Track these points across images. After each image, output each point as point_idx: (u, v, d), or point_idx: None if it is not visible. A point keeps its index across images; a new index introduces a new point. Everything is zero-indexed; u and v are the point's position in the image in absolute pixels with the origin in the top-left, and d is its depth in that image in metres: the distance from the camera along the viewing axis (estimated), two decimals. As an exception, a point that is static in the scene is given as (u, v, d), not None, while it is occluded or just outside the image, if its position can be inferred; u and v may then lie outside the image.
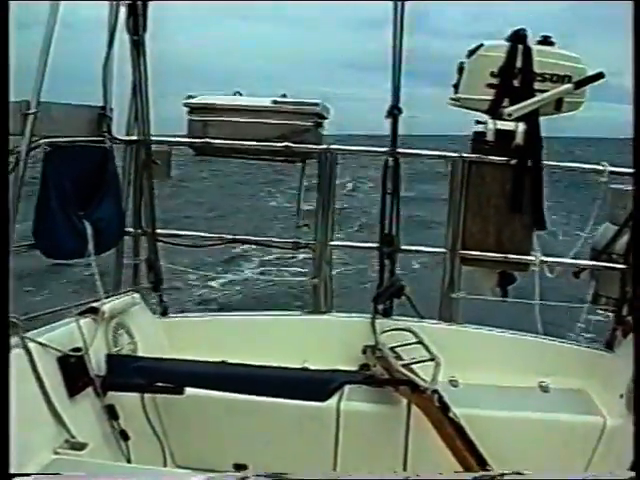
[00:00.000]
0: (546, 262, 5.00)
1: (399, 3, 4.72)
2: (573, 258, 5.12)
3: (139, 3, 4.76)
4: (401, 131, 4.95)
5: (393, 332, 4.70)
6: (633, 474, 2.07)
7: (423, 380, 4.13)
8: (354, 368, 4.43)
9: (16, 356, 3.55)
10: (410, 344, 4.51)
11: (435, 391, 4.10)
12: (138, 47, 4.85)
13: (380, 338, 4.64)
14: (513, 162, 4.85)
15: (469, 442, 4.00)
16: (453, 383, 4.73)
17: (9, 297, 2.71)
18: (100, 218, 4.58)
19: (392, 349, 4.50)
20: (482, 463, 3.91)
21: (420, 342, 4.49)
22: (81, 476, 3.28)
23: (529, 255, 4.97)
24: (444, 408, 4.09)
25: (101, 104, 4.80)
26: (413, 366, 4.28)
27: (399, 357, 4.40)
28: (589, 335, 5.31)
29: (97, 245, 4.47)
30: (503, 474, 2.34)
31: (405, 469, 4.21)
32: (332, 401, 4.32)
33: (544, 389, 4.71)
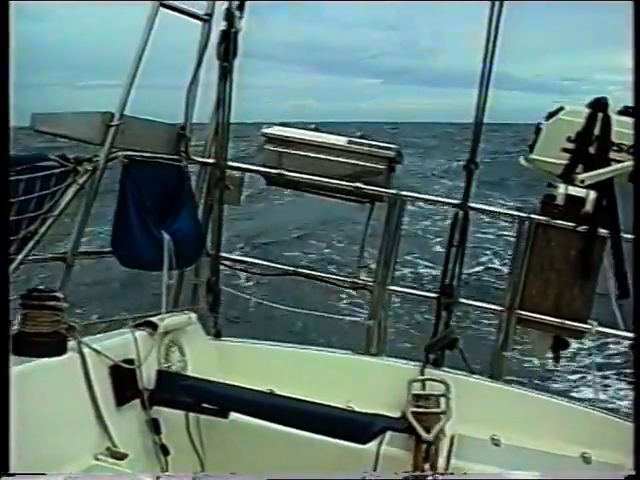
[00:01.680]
0: (602, 332, 4.98)
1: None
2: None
3: (232, 30, 4.87)
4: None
5: (431, 382, 4.69)
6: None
7: (426, 431, 4.12)
8: (397, 414, 4.42)
9: (71, 360, 3.64)
10: (436, 396, 4.51)
11: (430, 443, 4.09)
12: (226, 73, 4.95)
13: (413, 386, 4.63)
14: (581, 228, 4.84)
15: None
16: (495, 442, 4.69)
17: (9, 297, 2.77)
18: (178, 229, 4.68)
19: (424, 398, 4.51)
20: None
21: (444, 395, 4.48)
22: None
23: (586, 323, 4.94)
24: (425, 459, 4.07)
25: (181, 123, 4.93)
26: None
27: (422, 406, 4.40)
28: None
29: (176, 258, 4.57)
30: None
31: None
32: (372, 445, 4.31)
33: (586, 460, 4.64)
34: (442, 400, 4.45)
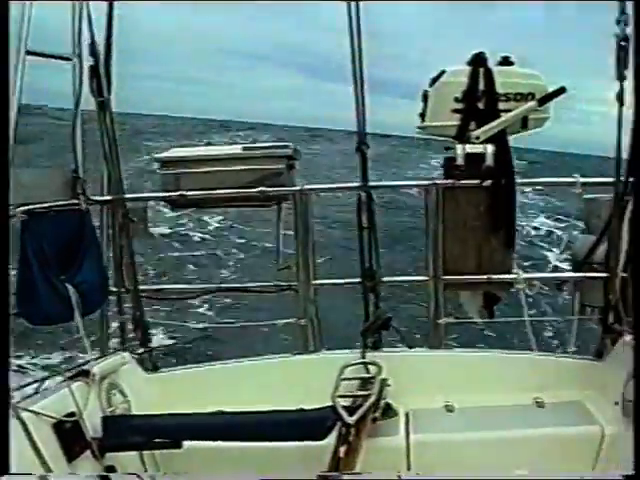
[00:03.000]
0: (529, 278, 5.05)
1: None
2: (554, 271, 5.16)
3: (102, 64, 4.78)
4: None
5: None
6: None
7: (350, 414, 4.11)
8: (349, 403, 4.41)
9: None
10: (369, 378, 4.54)
11: (347, 425, 4.08)
12: (104, 109, 4.86)
13: (347, 372, 4.63)
14: (485, 184, 4.89)
15: None
16: (449, 408, 4.72)
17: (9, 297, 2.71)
18: (83, 281, 4.60)
19: (365, 382, 4.53)
20: None
21: (374, 377, 4.51)
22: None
23: (511, 273, 5.00)
24: (343, 442, 4.04)
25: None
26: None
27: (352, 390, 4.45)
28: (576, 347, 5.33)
29: (82, 308, 4.49)
30: None
31: None
32: (331, 438, 4.30)
33: (540, 404, 4.70)
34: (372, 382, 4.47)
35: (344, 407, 4.17)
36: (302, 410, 4.46)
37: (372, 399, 4.24)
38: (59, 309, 4.42)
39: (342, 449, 4.00)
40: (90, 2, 4.62)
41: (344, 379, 4.52)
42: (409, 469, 4.26)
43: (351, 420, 4.07)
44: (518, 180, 5.00)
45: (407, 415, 4.57)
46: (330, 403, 4.29)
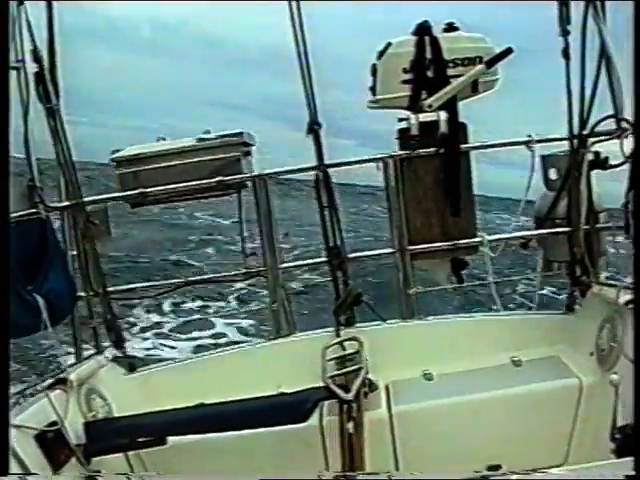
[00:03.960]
0: (493, 240, 5.08)
1: (294, 3, 4.79)
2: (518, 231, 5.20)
3: (46, 70, 4.72)
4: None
5: (350, 342, 4.72)
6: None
7: (345, 392, 4.13)
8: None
9: None
10: (351, 354, 4.55)
11: (349, 402, 4.10)
12: (54, 114, 4.81)
13: (329, 352, 4.64)
14: (442, 151, 4.91)
15: (353, 459, 4.01)
16: (427, 377, 4.77)
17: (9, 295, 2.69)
18: (50, 289, 4.57)
19: (341, 360, 4.54)
20: None
21: (357, 352, 4.52)
22: None
23: (476, 237, 5.03)
24: (348, 419, 4.07)
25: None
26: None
27: (339, 368, 4.43)
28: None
29: (51, 316, 4.46)
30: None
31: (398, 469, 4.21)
32: (314, 419, 4.32)
33: (516, 363, 4.75)
34: (358, 357, 4.48)
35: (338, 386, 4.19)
36: (283, 394, 4.48)
37: (363, 372, 4.26)
38: (29, 320, 4.39)
39: (349, 425, 4.02)
40: (28, 5, 4.56)
41: (330, 359, 4.54)
42: (393, 441, 4.29)
43: (350, 397, 4.09)
44: (472, 144, 5.02)
45: (387, 388, 4.60)
46: (311, 385, 4.32)
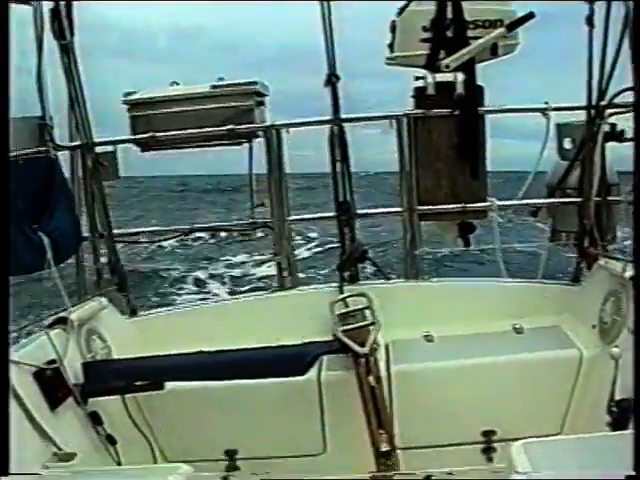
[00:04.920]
0: (503, 206, 5.05)
1: None
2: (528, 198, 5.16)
3: (62, 4, 4.68)
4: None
5: (353, 299, 4.71)
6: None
7: (361, 345, 4.14)
8: (328, 338, 4.43)
9: None
10: (361, 309, 4.53)
11: (365, 355, 4.10)
12: (68, 52, 4.77)
13: (336, 307, 4.64)
14: (457, 112, 4.86)
15: (379, 412, 4.01)
16: (428, 338, 4.77)
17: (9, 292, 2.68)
18: (55, 228, 4.57)
19: (350, 315, 4.52)
20: (390, 441, 3.94)
21: (368, 307, 4.51)
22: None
23: (485, 202, 5.00)
24: (368, 372, 4.08)
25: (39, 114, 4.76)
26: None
27: (350, 323, 4.39)
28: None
29: (55, 255, 4.45)
30: None
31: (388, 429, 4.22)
32: (312, 373, 4.33)
33: (518, 331, 4.75)
34: (368, 312, 4.47)
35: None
36: (282, 346, 4.49)
37: (377, 327, 4.27)
38: (33, 258, 4.39)
39: (370, 378, 4.05)
40: None
41: (341, 314, 4.53)
42: (391, 399, 4.29)
43: (366, 350, 4.10)
44: (488, 108, 4.96)
45: (387, 346, 4.60)
46: (311, 339, 4.33)
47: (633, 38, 3.39)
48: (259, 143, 5.18)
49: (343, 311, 4.57)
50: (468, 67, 4.84)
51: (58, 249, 4.53)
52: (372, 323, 4.30)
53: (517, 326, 4.78)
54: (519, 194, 5.13)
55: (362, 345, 4.12)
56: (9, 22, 2.52)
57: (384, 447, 3.86)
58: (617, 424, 3.33)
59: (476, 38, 4.84)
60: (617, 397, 3.39)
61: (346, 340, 4.17)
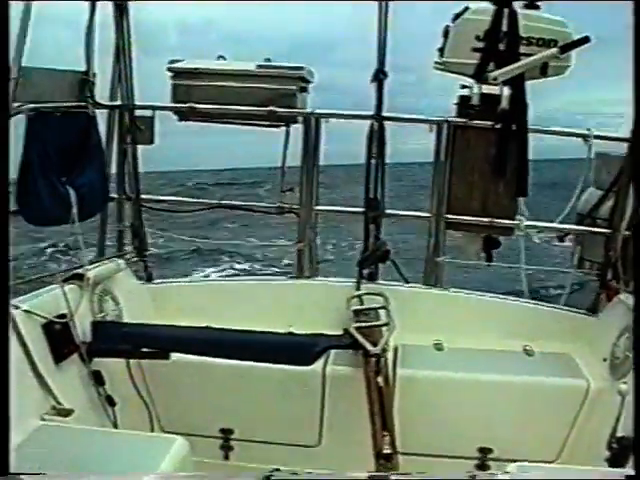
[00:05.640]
0: (531, 226, 5.02)
1: None
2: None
3: None
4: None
5: (372, 297, 4.69)
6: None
7: (373, 344, 4.13)
8: (339, 332, 4.41)
9: None
10: (376, 308, 4.51)
11: (377, 355, 4.10)
12: (122, 11, 4.79)
13: (352, 303, 4.64)
14: (498, 127, 4.83)
15: (385, 413, 4.00)
16: (438, 347, 4.75)
17: (9, 292, 2.67)
18: (83, 184, 4.57)
19: (364, 312, 4.50)
20: (392, 443, 3.92)
21: (384, 307, 4.49)
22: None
23: (514, 220, 4.97)
24: (377, 373, 4.07)
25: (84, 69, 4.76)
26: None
27: (364, 321, 4.38)
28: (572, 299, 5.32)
29: (81, 211, 4.45)
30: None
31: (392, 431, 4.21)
32: (318, 365, 4.33)
33: (528, 353, 4.72)
34: (382, 312, 4.45)
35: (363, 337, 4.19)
36: (291, 334, 4.48)
37: (391, 328, 4.27)
38: (59, 210, 4.39)
39: (380, 379, 4.05)
40: None
41: (355, 311, 4.52)
42: (392, 402, 4.28)
43: (377, 350, 4.10)
44: (530, 127, 4.93)
45: (395, 349, 4.59)
46: (322, 331, 4.32)
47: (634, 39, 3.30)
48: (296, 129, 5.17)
49: (359, 307, 4.56)
50: (516, 83, 4.81)
51: (84, 205, 4.52)
52: (386, 324, 4.29)
53: (528, 348, 4.75)
54: (557, 219, 5.10)
55: (374, 344, 4.12)
56: (9, 22, 2.52)
57: (386, 449, 3.85)
58: (615, 460, 3.31)
59: (527, 55, 4.80)
60: (619, 434, 3.37)
61: (358, 337, 4.16)
